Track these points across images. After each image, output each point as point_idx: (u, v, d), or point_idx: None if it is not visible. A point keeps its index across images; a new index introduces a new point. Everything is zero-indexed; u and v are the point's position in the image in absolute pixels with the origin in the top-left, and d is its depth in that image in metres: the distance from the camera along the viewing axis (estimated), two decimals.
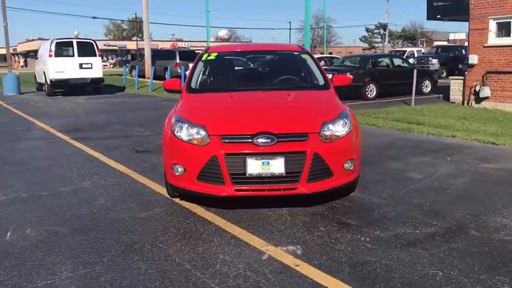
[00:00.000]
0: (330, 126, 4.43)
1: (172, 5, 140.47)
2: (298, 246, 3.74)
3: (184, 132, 4.41)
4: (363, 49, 71.27)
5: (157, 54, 27.50)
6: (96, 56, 18.96)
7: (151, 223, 4.32)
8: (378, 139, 8.32)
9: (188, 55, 25.93)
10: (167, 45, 67.35)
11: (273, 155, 4.19)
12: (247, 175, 4.21)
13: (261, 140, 4.20)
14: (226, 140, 4.26)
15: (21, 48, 73.55)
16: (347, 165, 4.49)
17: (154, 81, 21.19)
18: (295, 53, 6.16)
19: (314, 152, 4.22)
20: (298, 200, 4.60)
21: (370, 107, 13.17)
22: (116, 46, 66.10)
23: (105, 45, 65.71)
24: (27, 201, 5.06)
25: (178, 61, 25.66)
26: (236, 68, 6.19)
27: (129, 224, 4.32)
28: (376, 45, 72.33)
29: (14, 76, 20.09)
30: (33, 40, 66.75)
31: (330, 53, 41.97)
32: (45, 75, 18.74)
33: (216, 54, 6.06)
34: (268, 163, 4.19)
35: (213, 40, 77.21)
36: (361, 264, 3.42)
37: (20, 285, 3.23)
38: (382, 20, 71.14)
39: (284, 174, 4.22)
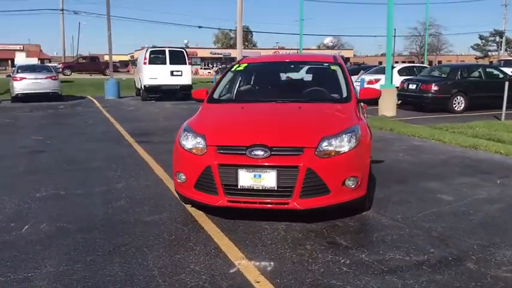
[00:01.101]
0: (332, 140, 4.29)
1: (276, 13, 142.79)
2: (271, 263, 3.68)
3: (188, 142, 4.53)
4: (476, 58, 66.75)
5: None
6: (186, 64, 19.92)
7: (150, 227, 4.49)
8: (433, 155, 7.81)
9: None
10: (269, 53, 68.61)
11: (265, 168, 4.16)
12: (239, 187, 4.22)
13: (254, 153, 4.19)
14: (221, 151, 4.30)
15: (138, 55, 79.13)
16: (349, 182, 4.31)
17: None
18: (325, 64, 6.04)
19: (308, 167, 4.12)
20: (301, 216, 4.48)
21: (452, 121, 12.40)
22: (221, 54, 68.61)
23: (211, 53, 68.58)
24: (60, 199, 5.49)
25: None
26: (261, 79, 6.20)
27: (131, 226, 4.53)
28: (490, 53, 67.34)
29: (114, 81, 21.78)
30: (146, 47, 71.43)
31: (428, 61, 39.72)
32: (140, 81, 20.08)
33: (246, 65, 6.14)
34: (260, 176, 4.17)
35: (315, 48, 77.22)
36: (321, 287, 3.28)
37: (4, 275, 3.54)
38: (499, 26, 66.13)
39: (275, 188, 4.17)
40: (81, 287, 3.35)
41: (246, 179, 4.19)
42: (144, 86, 19.47)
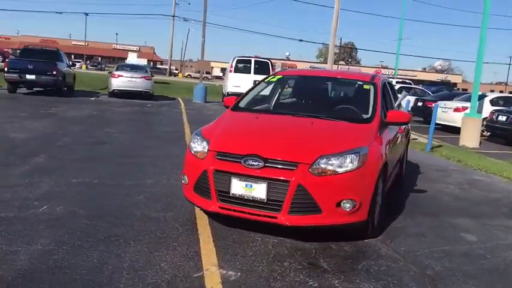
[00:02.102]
0: (331, 159, 4.16)
1: (382, 31, 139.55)
2: (238, 274, 3.65)
3: (195, 145, 4.64)
4: None
5: None
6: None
7: (150, 223, 4.64)
8: (487, 193, 7.22)
9: None
10: (371, 71, 67.31)
11: (257, 178, 4.14)
12: (231, 194, 4.24)
13: (248, 162, 4.19)
14: (219, 157, 4.36)
15: None
16: (345, 204, 4.15)
17: None
18: (359, 83, 5.86)
19: (298, 183, 4.04)
20: (301, 232, 4.40)
21: None
22: (319, 68, 68.62)
23: (310, 66, 68.77)
24: (91, 186, 5.86)
25: None
26: (290, 91, 6.17)
27: (133, 220, 4.71)
28: None
29: (203, 86, 22.67)
30: (244, 56, 73.51)
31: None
32: (225, 88, 20.71)
33: (280, 77, 6.16)
34: (251, 186, 4.16)
35: (420, 70, 74.41)
36: None
37: None
38: None
39: (265, 201, 4.14)
40: (53, 266, 3.57)
41: (238, 187, 4.21)
42: (227, 92, 20.04)
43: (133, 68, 22.60)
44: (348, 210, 4.17)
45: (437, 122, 17.95)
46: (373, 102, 5.28)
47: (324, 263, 3.98)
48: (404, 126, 6.92)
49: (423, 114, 19.37)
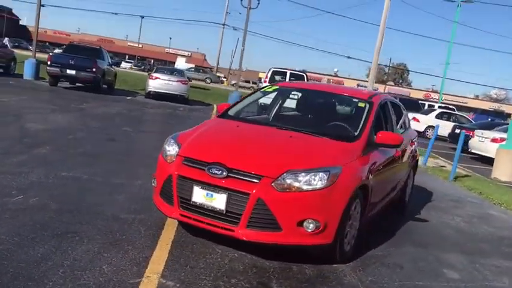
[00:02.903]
0: (298, 176, 3.94)
1: (435, 53, 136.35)
2: (177, 285, 3.49)
3: (168, 148, 4.52)
4: None
5: None
6: None
7: (115, 224, 4.55)
8: (495, 229, 6.75)
9: (410, 104, 24.96)
10: (420, 95, 65.78)
11: (218, 188, 3.98)
12: (192, 202, 4.10)
13: (212, 170, 4.03)
14: (186, 163, 4.22)
15: None
16: (307, 224, 3.92)
17: None
18: (355, 100, 5.59)
19: (258, 197, 3.84)
20: (269, 249, 4.20)
21: None
22: (365, 87, 67.63)
23: (357, 85, 67.96)
24: (77, 182, 5.83)
25: None
26: (282, 103, 5.97)
27: (100, 219, 4.63)
28: None
29: (238, 94, 22.71)
30: (296, 71, 73.33)
31: None
32: None
33: (277, 87, 5.98)
34: (212, 195, 4.00)
35: (472, 97, 72.02)
36: None
37: None
38: None
39: (224, 212, 3.96)
40: None
41: (199, 195, 4.06)
42: (260, 103, 19.93)
43: (172, 71, 22.93)
44: (311, 230, 3.93)
45: (474, 151, 17.26)
46: (364, 121, 5.01)
47: (276, 284, 3.75)
48: (412, 149, 6.57)
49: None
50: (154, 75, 21.14)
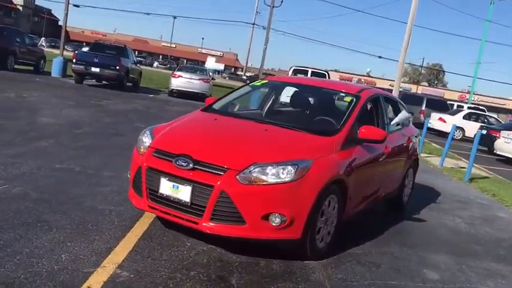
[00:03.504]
0: (265, 168, 3.86)
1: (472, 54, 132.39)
2: (132, 276, 3.47)
3: (141, 140, 4.51)
4: None
5: (406, 98, 26.64)
6: None
7: (90, 215, 4.56)
8: (497, 231, 6.48)
9: (437, 104, 24.35)
10: (454, 96, 64.21)
11: (183, 180, 3.94)
12: (159, 194, 4.07)
13: (178, 162, 3.99)
14: (155, 154, 4.20)
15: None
16: (272, 218, 3.83)
17: None
18: (342, 94, 5.44)
19: (222, 190, 3.78)
20: (243, 243, 4.14)
21: None
22: (400, 88, 66.29)
23: (390, 85, 66.79)
24: (68, 174, 5.90)
25: (423, 108, 24.39)
26: (269, 97, 5.90)
27: (77, 209, 4.65)
28: None
29: (259, 94, 22.61)
30: (328, 70, 72.71)
31: None
32: None
33: (266, 82, 5.91)
34: (178, 187, 3.96)
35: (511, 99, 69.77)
36: None
37: None
38: None
39: (189, 204, 3.92)
40: None
41: (165, 187, 4.02)
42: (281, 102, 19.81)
43: (195, 70, 23.08)
44: (276, 225, 3.84)
45: (499, 153, 16.67)
46: (347, 116, 4.88)
47: (235, 278, 3.68)
48: (409, 146, 6.36)
49: (486, 143, 17.99)
50: (177, 73, 21.33)
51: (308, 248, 4.14)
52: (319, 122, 5.06)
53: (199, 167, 3.92)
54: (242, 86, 6.01)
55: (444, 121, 22.79)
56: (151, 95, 20.64)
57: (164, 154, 4.14)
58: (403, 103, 6.87)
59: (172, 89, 21.12)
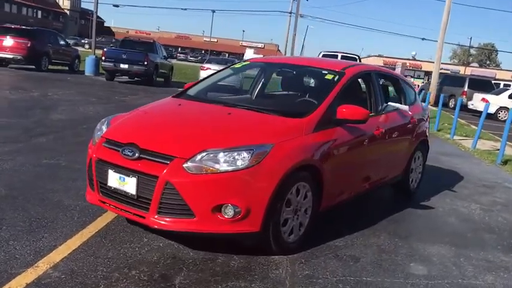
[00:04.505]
0: (217, 155, 3.49)
1: None
2: (62, 277, 3.20)
3: (97, 129, 4.24)
4: None
5: (448, 80, 25.38)
6: None
7: (51, 210, 4.34)
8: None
9: (480, 85, 22.98)
10: (508, 76, 61.06)
11: (129, 171, 3.63)
12: (108, 187, 3.78)
13: (124, 152, 3.68)
14: (105, 144, 3.91)
15: (369, 62, 79.22)
16: (225, 210, 3.47)
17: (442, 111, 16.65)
18: (324, 72, 4.95)
19: (166, 181, 3.44)
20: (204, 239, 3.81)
21: None
22: (448, 70, 63.61)
23: (441, 68, 64.40)
24: (51, 169, 5.74)
25: (465, 89, 23.10)
26: (246, 79, 5.49)
27: (40, 205, 4.45)
28: None
29: None
30: (371, 56, 70.89)
31: None
32: None
33: (247, 63, 5.53)
34: (124, 179, 3.66)
35: None
36: None
37: None
38: None
39: (135, 197, 3.61)
40: None
41: (113, 179, 3.73)
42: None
43: (223, 61, 22.82)
44: (229, 217, 3.47)
45: None
46: (325, 95, 4.41)
47: (181, 277, 3.34)
48: (413, 127, 5.80)
49: None
50: (206, 66, 21.18)
51: (272, 242, 3.74)
52: (294, 103, 4.63)
53: (145, 156, 3.60)
54: (222, 69, 5.65)
55: (487, 101, 21.45)
56: (181, 89, 20.53)
57: (113, 144, 3.85)
58: (407, 80, 6.28)
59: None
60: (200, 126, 3.96)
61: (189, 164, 3.46)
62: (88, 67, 22.18)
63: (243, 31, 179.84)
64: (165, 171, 3.46)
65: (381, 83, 5.56)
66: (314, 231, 4.27)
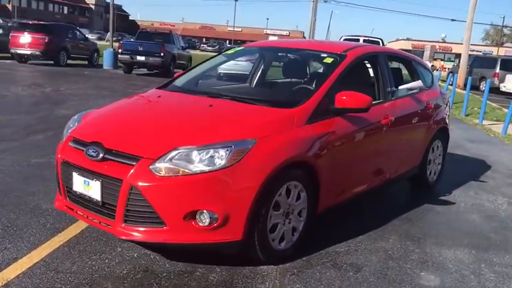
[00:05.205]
0: (189, 154, 3.04)
1: None
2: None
3: (67, 127, 3.83)
4: None
5: (478, 61, 24.23)
6: None
7: (26, 215, 4.00)
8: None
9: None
10: None
11: (93, 174, 3.21)
12: (73, 192, 3.38)
13: (89, 152, 3.26)
14: (72, 144, 3.50)
15: (397, 46, 77.32)
16: (200, 217, 3.02)
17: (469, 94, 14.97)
18: (323, 55, 4.41)
19: (131, 185, 3.00)
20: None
21: None
22: (480, 52, 61.41)
23: (473, 50, 62.42)
24: (37, 169, 5.40)
25: (497, 71, 21.99)
26: (236, 66, 4.99)
27: (15, 211, 4.11)
28: None
29: None
30: (400, 40, 69.12)
31: None
32: None
33: (241, 48, 5.05)
34: (88, 183, 3.24)
35: None
36: None
37: None
38: None
39: (101, 203, 3.19)
40: None
41: (78, 183, 3.32)
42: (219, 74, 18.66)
43: None
44: (205, 225, 3.02)
45: None
46: (321, 81, 3.90)
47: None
48: (429, 115, 5.22)
49: None
50: None
51: (259, 250, 3.27)
52: (286, 91, 4.13)
53: (109, 157, 3.17)
54: (214, 56, 5.19)
55: None
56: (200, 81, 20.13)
57: (78, 143, 3.43)
58: (422, 62, 5.67)
59: (220, 73, 20.47)
60: (174, 122, 3.50)
61: (156, 165, 3.01)
62: (106, 60, 22.02)
63: (267, 19, 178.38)
64: (130, 173, 3.01)
65: (394, 66, 5.00)
66: (312, 236, 3.78)
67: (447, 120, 5.71)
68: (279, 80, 5.03)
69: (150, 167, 3.01)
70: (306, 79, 4.43)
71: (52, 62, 20.29)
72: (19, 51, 19.94)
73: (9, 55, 20.77)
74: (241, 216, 3.07)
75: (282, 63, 5.11)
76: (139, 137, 3.26)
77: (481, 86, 22.87)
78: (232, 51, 5.15)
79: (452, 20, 55.13)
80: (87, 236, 3.69)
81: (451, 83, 18.30)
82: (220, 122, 3.42)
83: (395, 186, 5.29)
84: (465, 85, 18.59)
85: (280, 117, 3.47)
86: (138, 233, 3.06)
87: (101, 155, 3.17)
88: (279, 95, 4.14)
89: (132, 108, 3.99)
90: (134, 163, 3.05)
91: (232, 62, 18.18)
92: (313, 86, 3.90)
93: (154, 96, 4.15)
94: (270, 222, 3.28)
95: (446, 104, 5.80)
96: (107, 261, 3.30)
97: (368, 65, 4.73)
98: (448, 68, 29.51)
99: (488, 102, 12.72)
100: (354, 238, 3.96)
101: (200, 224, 3.02)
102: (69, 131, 3.67)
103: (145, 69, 20.47)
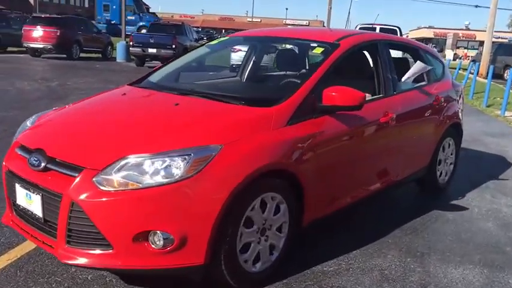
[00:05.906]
0: (140, 164, 2.58)
1: None
2: None
3: (19, 130, 3.41)
4: None
5: (502, 49, 23.21)
6: None
7: None
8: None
9: None
10: None
11: (33, 186, 2.78)
12: (17, 205, 2.96)
13: (30, 161, 2.83)
14: (18, 150, 3.07)
15: (412, 35, 75.52)
16: (153, 239, 2.57)
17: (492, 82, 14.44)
18: (313, 45, 3.90)
19: (72, 201, 2.56)
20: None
21: None
22: (506, 38, 59.44)
23: (494, 37, 60.48)
24: None
25: None
26: (217, 58, 4.52)
27: None
28: None
29: None
30: (421, 28, 67.49)
31: None
32: None
33: (226, 39, 4.58)
34: (30, 197, 2.82)
35: None
36: None
37: None
38: None
39: (42, 220, 2.76)
40: None
41: (21, 196, 2.90)
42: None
43: None
44: (159, 248, 2.56)
45: None
46: (307, 75, 3.40)
47: None
48: (438, 110, 4.66)
49: None
50: (236, 47, 20.12)
51: (228, 275, 2.80)
52: (266, 87, 3.64)
53: (52, 167, 2.73)
54: (197, 47, 4.73)
55: None
56: (211, 73, 19.70)
57: (23, 149, 3.00)
58: (432, 50, 5.10)
59: (232, 64, 20.01)
60: (130, 125, 3.04)
61: (101, 177, 2.56)
62: (119, 53, 21.78)
63: (286, 9, 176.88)
64: (71, 187, 2.57)
65: (401, 55, 4.46)
66: (296, 252, 3.30)
67: (460, 115, 5.12)
68: (268, 74, 4.55)
69: (94, 179, 2.56)
70: (292, 72, 3.93)
71: (65, 55, 20.11)
72: (32, 45, 19.82)
73: (24, 49, 20.70)
74: (203, 236, 2.60)
75: (269, 54, 4.62)
76: (86, 144, 2.82)
77: (505, 75, 21.86)
78: (216, 42, 4.68)
79: (476, 6, 53.20)
80: (41, 253, 3.27)
81: (472, 71, 17.44)
82: (181, 124, 2.94)
83: (399, 190, 4.75)
84: (488, 74, 17.71)
85: (254, 117, 2.98)
86: (83, 256, 2.62)
87: (43, 165, 2.74)
88: (255, 92, 3.65)
89: (89, 108, 3.54)
90: (76, 174, 2.60)
91: (243, 53, 17.68)
92: (299, 80, 3.39)
93: (119, 94, 3.70)
94: (240, 242, 2.80)
95: (460, 97, 5.22)
96: (54, 285, 2.89)
97: (367, 55, 4.19)
98: (471, 56, 28.35)
99: None
100: (346, 254, 3.46)
101: (153, 246, 2.56)
102: (17, 134, 3.25)
103: (159, 62, 20.11)
